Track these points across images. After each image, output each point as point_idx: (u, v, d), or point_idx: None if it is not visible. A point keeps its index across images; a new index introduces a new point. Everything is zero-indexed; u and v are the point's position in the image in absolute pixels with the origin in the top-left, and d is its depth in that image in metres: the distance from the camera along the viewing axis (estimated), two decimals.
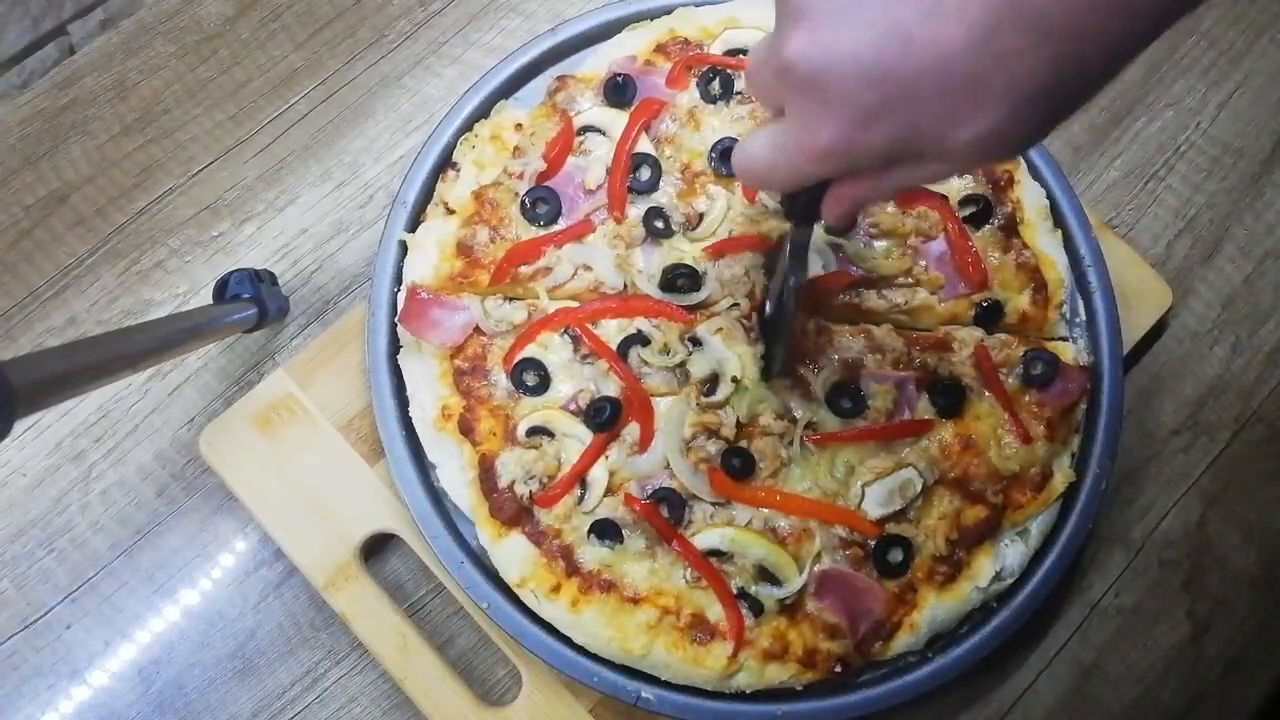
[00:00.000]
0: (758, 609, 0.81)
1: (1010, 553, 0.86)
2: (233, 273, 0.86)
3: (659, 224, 0.88)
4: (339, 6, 1.05)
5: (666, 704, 0.82)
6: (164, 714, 0.86)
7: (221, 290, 0.85)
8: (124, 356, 0.67)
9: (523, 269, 0.87)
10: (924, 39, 0.45)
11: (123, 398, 0.92)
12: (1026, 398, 0.87)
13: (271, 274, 0.91)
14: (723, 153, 0.90)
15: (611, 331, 0.87)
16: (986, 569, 0.84)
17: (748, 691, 0.81)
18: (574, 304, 0.88)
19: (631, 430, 0.84)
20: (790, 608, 0.82)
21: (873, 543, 0.83)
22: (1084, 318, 0.93)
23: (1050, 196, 0.94)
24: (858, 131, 0.49)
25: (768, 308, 0.84)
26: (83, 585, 0.88)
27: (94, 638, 0.87)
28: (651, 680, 0.82)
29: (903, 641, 0.83)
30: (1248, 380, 1.01)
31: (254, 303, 0.85)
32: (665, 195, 0.90)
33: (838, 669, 0.82)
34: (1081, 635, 0.93)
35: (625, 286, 0.88)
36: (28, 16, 0.97)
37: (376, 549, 0.89)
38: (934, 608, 0.83)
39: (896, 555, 0.83)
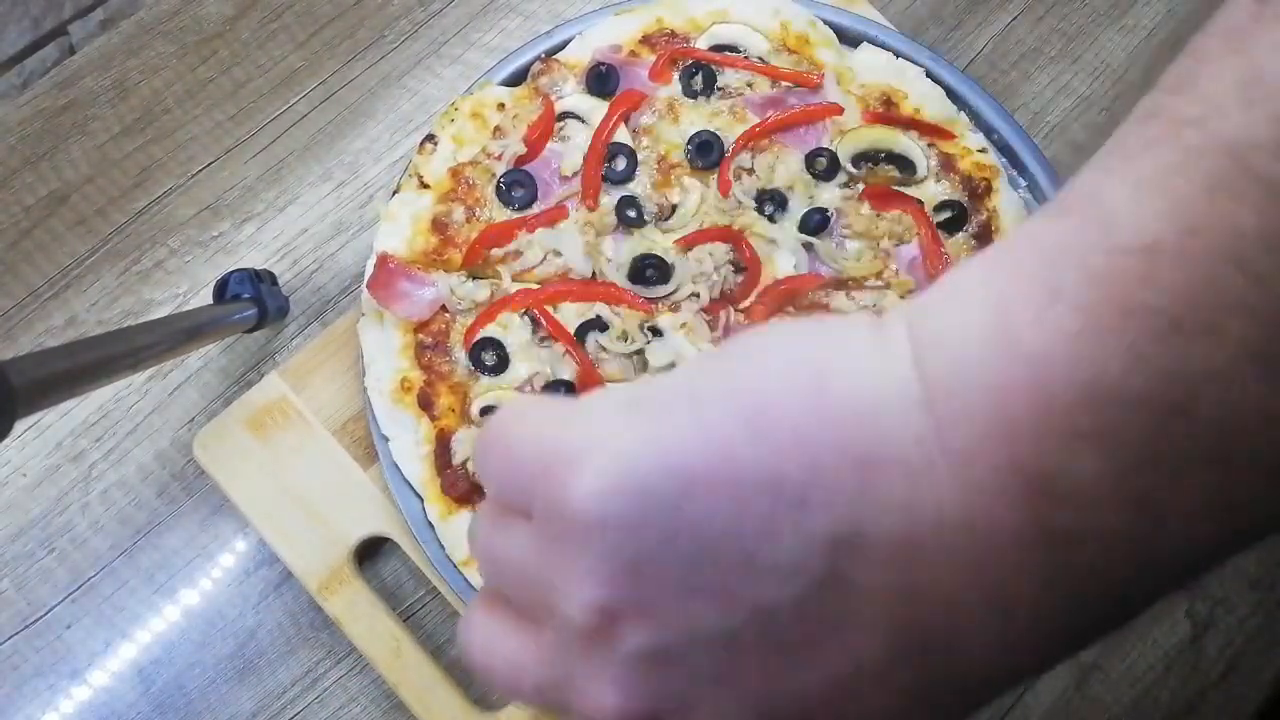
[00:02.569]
0: None
1: None
2: (233, 273, 0.86)
3: (631, 213, 0.89)
4: (339, 6, 1.05)
5: None
6: (164, 714, 0.86)
7: (221, 290, 0.85)
8: (124, 356, 0.67)
9: (494, 251, 0.88)
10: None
11: (123, 398, 0.92)
12: None
13: (271, 274, 0.91)
14: (699, 145, 0.90)
15: (571, 316, 0.87)
16: None
17: None
18: (536, 285, 0.88)
19: None
20: None
21: None
22: None
23: (1041, 203, 0.94)
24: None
25: None
26: (83, 585, 0.88)
27: (94, 638, 0.87)
28: None
29: None
30: None
31: (254, 303, 0.85)
32: (640, 185, 0.91)
33: None
34: None
35: (594, 274, 0.89)
36: (28, 16, 0.97)
37: (370, 552, 0.89)
38: None
39: None
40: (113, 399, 0.92)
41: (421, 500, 0.84)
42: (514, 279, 0.88)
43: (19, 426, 0.55)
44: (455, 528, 0.83)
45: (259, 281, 0.87)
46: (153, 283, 0.96)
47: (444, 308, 0.87)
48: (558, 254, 0.88)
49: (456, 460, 0.83)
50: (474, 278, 0.88)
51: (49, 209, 0.97)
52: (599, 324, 0.86)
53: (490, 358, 0.85)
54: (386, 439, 0.85)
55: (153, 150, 0.99)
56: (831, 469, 0.30)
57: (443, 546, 0.83)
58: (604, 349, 0.86)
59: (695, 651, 0.30)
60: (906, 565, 0.29)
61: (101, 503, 0.90)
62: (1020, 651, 0.30)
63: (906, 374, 0.30)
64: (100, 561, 0.88)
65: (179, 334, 0.75)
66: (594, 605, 0.31)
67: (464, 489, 0.83)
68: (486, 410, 0.85)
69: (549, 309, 0.87)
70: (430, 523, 0.84)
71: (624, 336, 0.86)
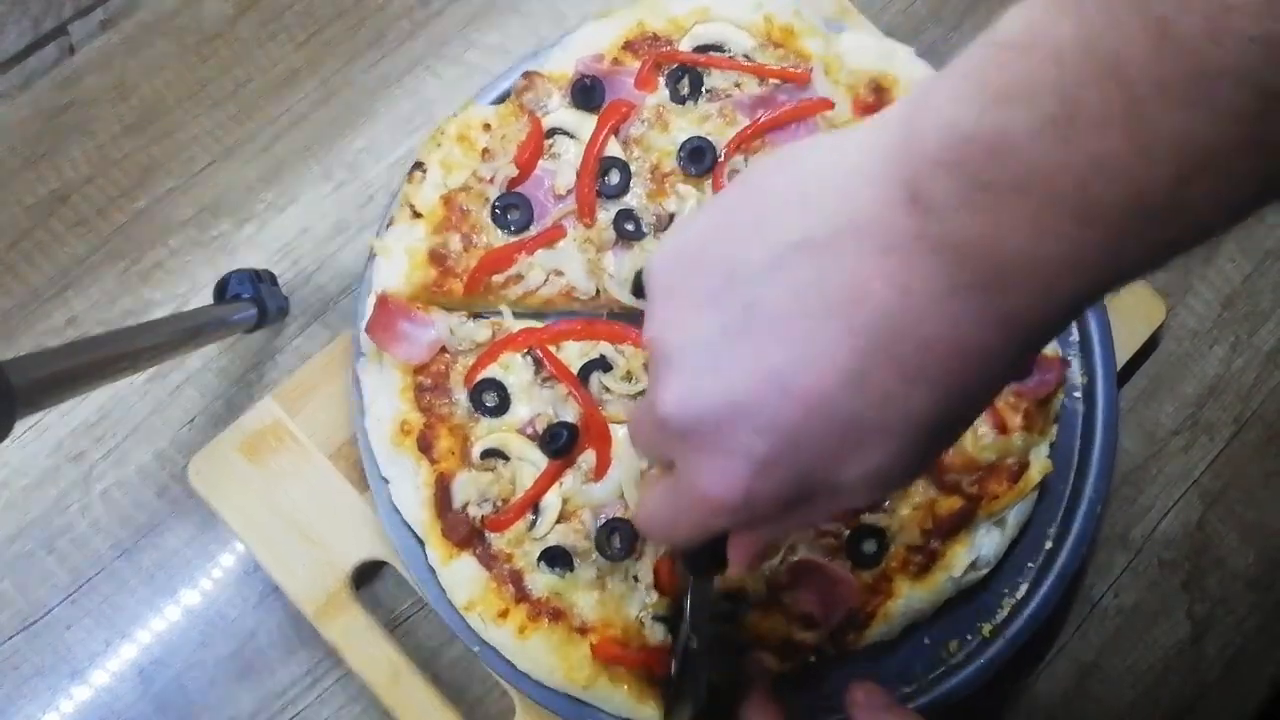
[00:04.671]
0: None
1: (986, 542, 0.85)
2: (233, 273, 0.86)
3: (629, 227, 0.87)
4: (339, 7, 1.05)
5: None
6: (164, 714, 0.86)
7: (221, 290, 0.85)
8: (124, 356, 0.67)
9: (495, 278, 0.86)
10: (800, 386, 0.43)
11: (123, 398, 0.92)
12: (1004, 389, 0.86)
13: (271, 274, 0.91)
14: (691, 152, 0.88)
15: (574, 355, 0.86)
16: (961, 558, 0.84)
17: None
18: (538, 323, 0.87)
19: (587, 458, 0.83)
20: (765, 602, 0.82)
21: (846, 533, 0.83)
22: (1077, 337, 0.91)
23: None
24: (753, 481, 0.46)
25: (672, 663, 0.78)
26: (83, 585, 0.88)
27: (94, 638, 0.87)
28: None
29: (877, 631, 0.83)
30: (1248, 380, 1.01)
31: (254, 303, 0.85)
32: (635, 197, 0.89)
33: (812, 659, 0.82)
34: (1081, 635, 0.93)
35: (597, 291, 0.87)
36: (27, 16, 0.96)
37: (369, 573, 0.88)
38: (909, 597, 0.83)
39: (870, 546, 0.83)
40: (113, 399, 0.92)
41: (422, 544, 0.83)
42: (517, 302, 0.87)
43: (19, 426, 0.55)
44: (456, 573, 0.82)
45: (259, 281, 0.87)
46: (153, 283, 0.96)
47: (444, 348, 0.85)
48: (559, 274, 0.87)
49: (457, 504, 0.82)
50: (475, 316, 0.87)
51: (49, 209, 0.97)
52: (603, 364, 0.85)
53: (491, 399, 0.84)
54: (386, 481, 0.84)
55: (153, 150, 0.99)
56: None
57: (443, 590, 0.82)
58: (608, 389, 0.85)
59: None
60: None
61: (102, 503, 0.90)
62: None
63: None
64: (100, 561, 0.88)
65: (179, 334, 0.75)
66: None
67: (465, 533, 0.81)
68: (488, 454, 0.83)
69: (551, 348, 0.85)
70: (431, 567, 0.82)
71: (629, 376, 0.85)
